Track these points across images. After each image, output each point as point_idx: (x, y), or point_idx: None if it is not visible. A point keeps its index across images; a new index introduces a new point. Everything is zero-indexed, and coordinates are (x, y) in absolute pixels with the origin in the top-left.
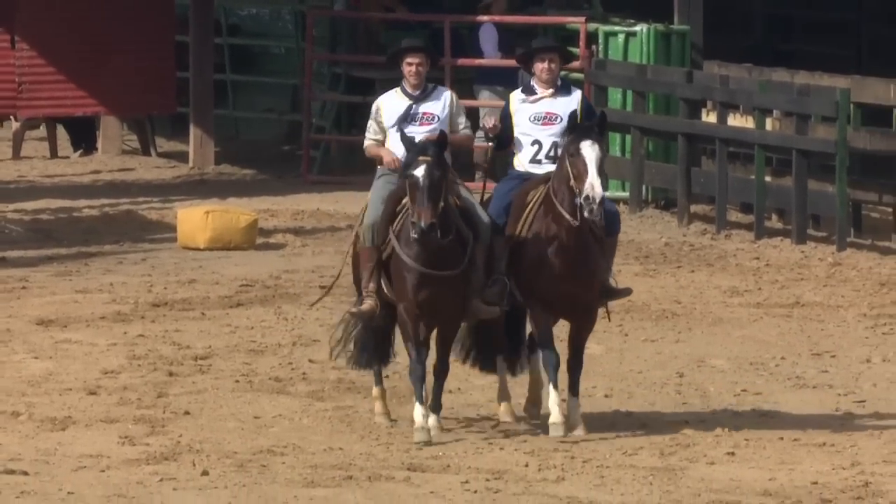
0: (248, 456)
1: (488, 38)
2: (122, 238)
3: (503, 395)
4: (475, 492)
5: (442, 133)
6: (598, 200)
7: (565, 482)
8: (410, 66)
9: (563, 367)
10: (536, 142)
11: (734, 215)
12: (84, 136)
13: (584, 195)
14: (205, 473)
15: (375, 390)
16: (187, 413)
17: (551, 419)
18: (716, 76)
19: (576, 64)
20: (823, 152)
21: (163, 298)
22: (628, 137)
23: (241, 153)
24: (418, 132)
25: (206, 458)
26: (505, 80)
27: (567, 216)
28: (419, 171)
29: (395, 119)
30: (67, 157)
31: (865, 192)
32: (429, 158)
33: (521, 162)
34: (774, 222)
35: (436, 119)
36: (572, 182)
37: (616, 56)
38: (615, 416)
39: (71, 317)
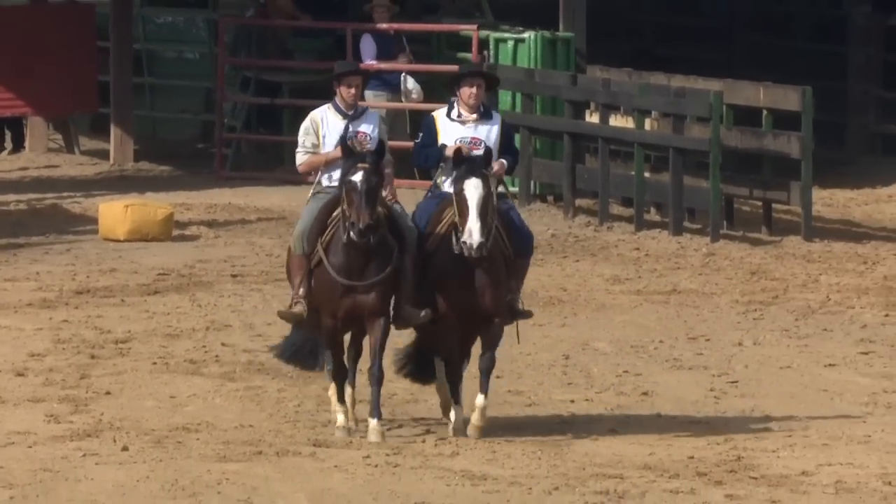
0: (165, 433)
1: (366, 48)
2: (48, 230)
3: (449, 400)
4: (376, 466)
5: (380, 142)
6: (474, 247)
7: (459, 457)
8: (349, 88)
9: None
10: None
11: (616, 209)
12: (13, 135)
13: (462, 238)
14: (125, 449)
15: (332, 387)
16: (108, 393)
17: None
18: (598, 80)
19: None
20: (698, 150)
21: (85, 286)
22: (518, 137)
23: (158, 151)
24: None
25: (125, 435)
26: (386, 84)
27: (454, 246)
28: (357, 177)
29: (333, 138)
30: None
31: (737, 187)
32: (367, 165)
33: (445, 184)
34: (653, 215)
35: (369, 139)
36: (456, 219)
37: (506, 61)
38: (506, 395)
39: (0, 303)
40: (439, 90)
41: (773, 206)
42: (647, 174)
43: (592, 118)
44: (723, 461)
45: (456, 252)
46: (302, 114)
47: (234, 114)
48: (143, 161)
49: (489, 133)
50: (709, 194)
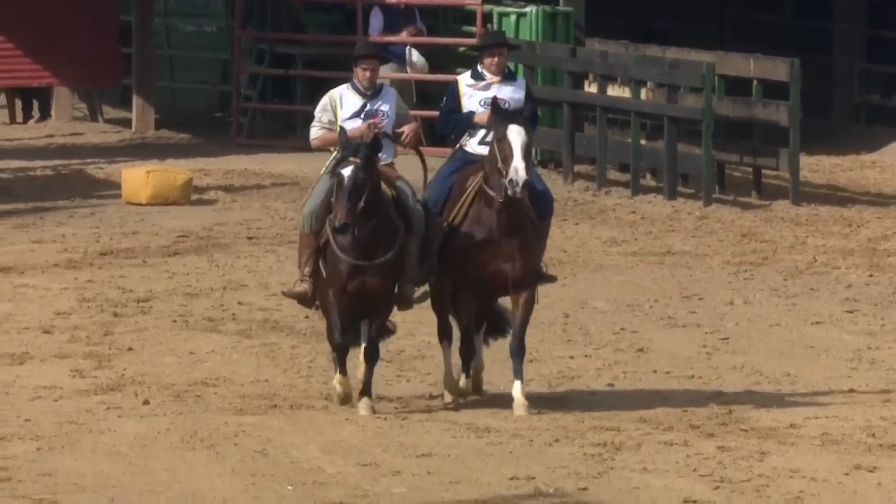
0: (185, 387)
1: (374, 22)
2: (73, 195)
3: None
4: (385, 418)
5: (375, 137)
6: (521, 183)
7: (464, 411)
8: (365, 71)
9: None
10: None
11: (613, 174)
12: (40, 104)
13: (508, 177)
14: (146, 403)
15: (336, 377)
16: (130, 349)
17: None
18: (596, 52)
19: (473, 41)
20: (691, 119)
21: (109, 248)
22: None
23: (178, 119)
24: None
25: (147, 389)
26: (393, 56)
27: (493, 194)
28: (346, 171)
29: (351, 116)
30: (24, 123)
31: (728, 153)
32: (357, 160)
33: (471, 144)
34: (648, 180)
35: (386, 116)
36: (499, 164)
37: (508, 33)
38: (508, 351)
39: (27, 264)
40: (445, 62)
41: (763, 171)
42: (642, 141)
43: (591, 88)
44: (714, 414)
45: (499, 198)
46: (314, 84)
47: (249, 84)
48: (163, 129)
49: (513, 94)
50: (701, 160)
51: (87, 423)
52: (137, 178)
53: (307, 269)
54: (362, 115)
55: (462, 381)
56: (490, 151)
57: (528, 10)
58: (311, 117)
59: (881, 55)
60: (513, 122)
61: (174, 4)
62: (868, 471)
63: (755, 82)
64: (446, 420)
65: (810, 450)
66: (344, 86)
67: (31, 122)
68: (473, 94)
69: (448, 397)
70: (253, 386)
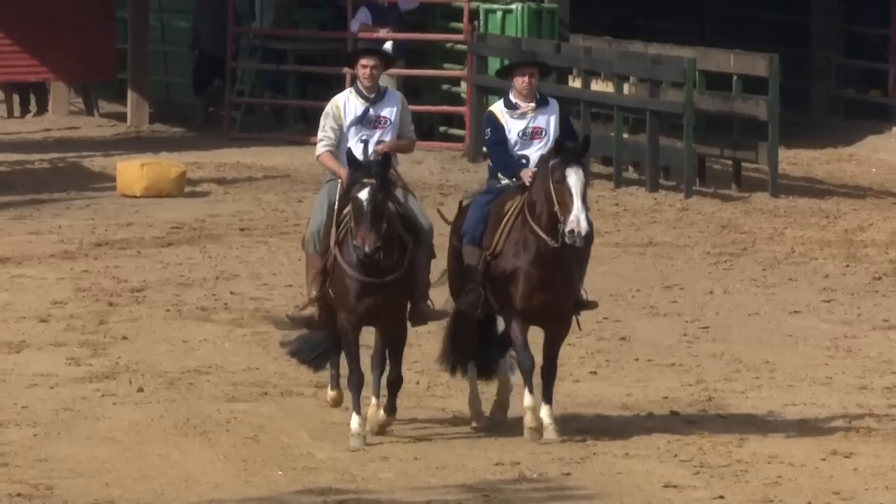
0: (178, 375)
1: (358, 17)
2: (69, 187)
3: (474, 399)
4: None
5: (386, 154)
6: (583, 234)
7: (452, 398)
8: (365, 68)
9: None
10: (524, 157)
11: (596, 167)
12: (37, 98)
13: (568, 227)
14: (140, 390)
15: (331, 394)
16: (125, 338)
17: (527, 423)
18: (580, 48)
19: (460, 37)
20: (673, 113)
21: (104, 239)
22: None
23: (172, 114)
24: (370, 135)
25: (141, 377)
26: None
27: (546, 237)
28: (363, 195)
29: (354, 122)
30: (22, 118)
31: (709, 147)
32: (373, 181)
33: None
34: (631, 173)
35: (389, 122)
36: (556, 208)
37: (495, 30)
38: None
39: (25, 255)
40: (433, 59)
41: (743, 164)
42: (625, 135)
43: (575, 83)
44: (695, 401)
45: (554, 244)
46: (305, 79)
47: (242, 79)
48: (157, 123)
49: (548, 121)
50: (682, 154)
51: (83, 410)
52: (132, 170)
53: (314, 293)
54: (364, 121)
55: (527, 399)
56: (544, 189)
57: (513, 6)
58: (301, 112)
59: (858, 50)
60: (572, 163)
61: (169, 1)
62: (845, 456)
63: (735, 77)
64: (432, 407)
65: (788, 436)
66: (347, 90)
67: (29, 116)
68: (510, 125)
69: (475, 422)
70: (244, 374)
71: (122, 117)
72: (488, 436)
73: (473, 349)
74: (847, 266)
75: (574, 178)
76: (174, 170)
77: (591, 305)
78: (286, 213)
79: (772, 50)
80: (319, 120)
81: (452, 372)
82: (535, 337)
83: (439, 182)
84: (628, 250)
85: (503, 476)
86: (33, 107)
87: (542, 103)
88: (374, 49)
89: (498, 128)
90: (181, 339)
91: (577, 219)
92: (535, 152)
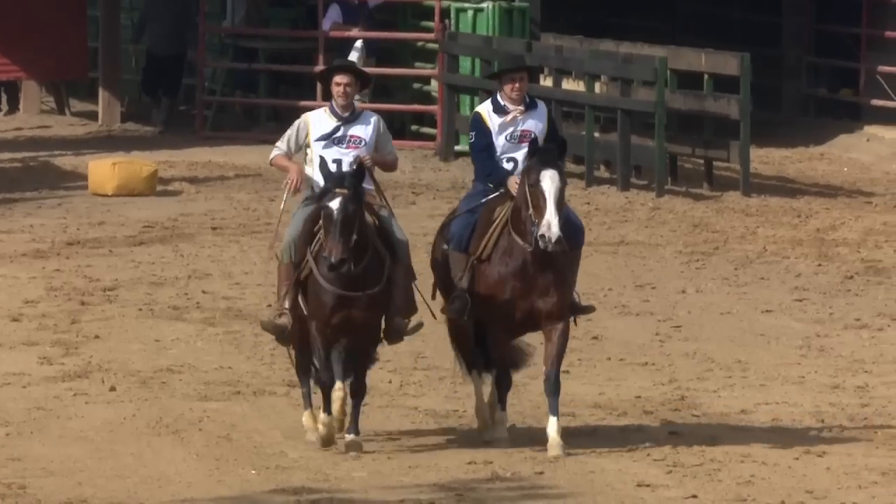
0: (150, 374)
1: (329, 15)
2: (41, 186)
3: (481, 408)
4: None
5: (360, 165)
6: (553, 240)
7: (424, 397)
8: (339, 85)
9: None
10: (512, 160)
11: (568, 166)
12: (8, 97)
13: (540, 231)
14: (112, 389)
15: (305, 414)
16: (97, 337)
17: (495, 434)
18: (552, 46)
19: (431, 36)
20: (644, 112)
21: (76, 238)
22: (477, 99)
23: (143, 113)
24: (344, 155)
25: (113, 376)
26: (346, 49)
27: (521, 243)
28: (334, 204)
29: (323, 140)
30: None
31: (680, 146)
32: (345, 191)
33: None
34: (602, 172)
35: (363, 143)
36: (530, 211)
37: (466, 29)
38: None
39: None
40: (404, 57)
41: (714, 163)
42: (596, 134)
43: (546, 82)
44: (667, 400)
45: (528, 247)
46: (277, 78)
47: (213, 78)
48: (129, 122)
49: (536, 125)
50: (654, 152)
51: (55, 409)
52: (104, 169)
53: (287, 303)
54: (333, 139)
55: (497, 414)
56: (520, 193)
57: (484, 5)
58: (273, 111)
59: (829, 49)
60: (547, 166)
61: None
62: (817, 455)
63: (706, 76)
64: (406, 406)
65: (761, 435)
66: (322, 109)
67: (0, 115)
68: (497, 129)
69: (483, 431)
70: (217, 373)
71: (93, 116)
72: (461, 435)
73: (473, 354)
74: (819, 265)
75: (548, 181)
76: (146, 169)
77: (588, 310)
78: (258, 211)
79: (743, 49)
80: (292, 123)
81: (468, 373)
82: (535, 338)
83: (411, 181)
84: (600, 249)
85: (476, 475)
86: (4, 106)
87: (530, 106)
88: (348, 66)
89: (484, 131)
90: (153, 338)
91: (548, 223)
92: (522, 155)
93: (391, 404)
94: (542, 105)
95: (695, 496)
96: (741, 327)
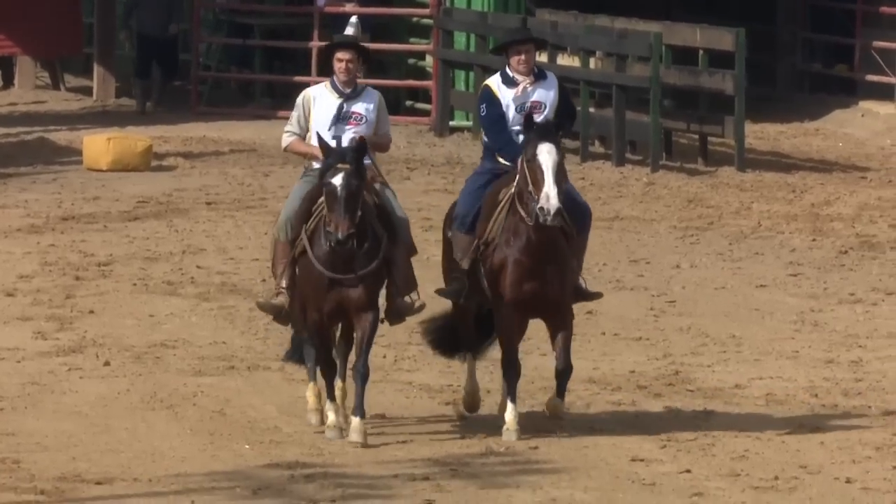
0: (145, 349)
1: None
2: (36, 161)
3: (473, 392)
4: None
5: (361, 139)
6: (552, 212)
7: (419, 372)
8: (341, 62)
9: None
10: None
11: (562, 141)
12: (3, 73)
13: (539, 204)
14: (107, 364)
15: (309, 387)
16: (92, 312)
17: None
18: (547, 22)
19: (426, 11)
20: (639, 87)
21: (70, 213)
22: (472, 74)
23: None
24: (344, 132)
25: (108, 351)
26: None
27: (525, 217)
28: (337, 180)
29: (326, 118)
30: None
31: (675, 121)
32: (347, 166)
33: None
34: (597, 147)
35: (364, 120)
36: (530, 187)
37: (461, 4)
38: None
39: None
40: (399, 33)
41: (709, 138)
42: (591, 109)
43: (541, 58)
44: (662, 375)
45: (530, 222)
46: (272, 54)
47: (208, 54)
48: (123, 97)
49: (546, 95)
50: (649, 128)
51: (49, 384)
52: (98, 145)
53: (284, 282)
54: (339, 118)
55: (509, 409)
56: (520, 169)
57: None
58: (268, 86)
59: (824, 24)
60: (544, 139)
61: None
62: (811, 430)
63: (701, 52)
64: (399, 381)
65: (755, 409)
66: (322, 84)
67: None
68: (507, 100)
69: (461, 407)
70: (211, 348)
71: (88, 91)
72: (455, 409)
73: (472, 340)
74: (813, 240)
75: (545, 155)
76: (140, 144)
77: (594, 296)
78: (252, 187)
79: (738, 24)
80: (287, 98)
81: (449, 356)
82: (534, 334)
83: (406, 156)
84: (594, 224)
85: (470, 450)
86: None
87: (540, 77)
88: (350, 42)
89: (494, 102)
90: (148, 314)
91: (546, 195)
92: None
93: (385, 379)
94: (552, 75)
95: (688, 471)
96: (735, 302)
